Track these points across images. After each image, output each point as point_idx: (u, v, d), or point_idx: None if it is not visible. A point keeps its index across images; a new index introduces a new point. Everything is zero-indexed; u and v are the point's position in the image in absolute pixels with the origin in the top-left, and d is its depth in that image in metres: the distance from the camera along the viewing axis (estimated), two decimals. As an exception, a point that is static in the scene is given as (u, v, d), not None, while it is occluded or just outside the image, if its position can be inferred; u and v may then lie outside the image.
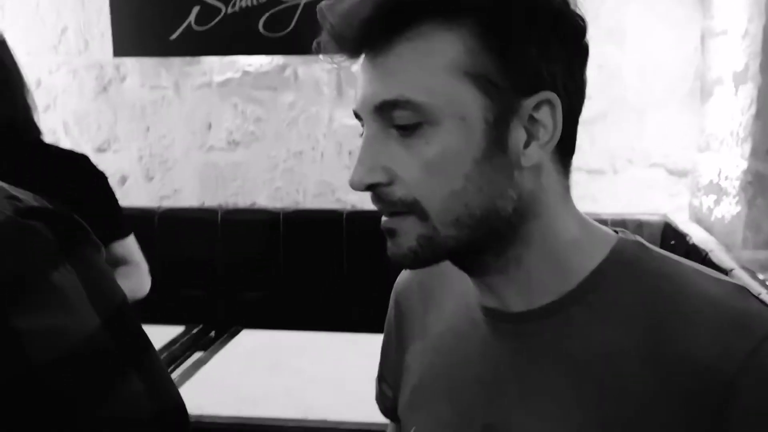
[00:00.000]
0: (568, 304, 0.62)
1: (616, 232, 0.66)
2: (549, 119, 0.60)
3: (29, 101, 1.56)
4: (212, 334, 2.23)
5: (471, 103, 0.58)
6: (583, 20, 0.62)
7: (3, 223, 0.73)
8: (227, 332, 2.16)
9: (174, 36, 2.79)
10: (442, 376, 0.71)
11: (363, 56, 0.60)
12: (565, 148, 0.63)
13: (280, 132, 2.83)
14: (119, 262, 1.68)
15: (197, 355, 2.02)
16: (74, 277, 0.77)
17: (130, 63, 2.87)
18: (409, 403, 0.75)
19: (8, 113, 1.52)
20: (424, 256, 0.61)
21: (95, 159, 1.69)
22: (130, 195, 2.91)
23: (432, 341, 0.74)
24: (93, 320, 0.77)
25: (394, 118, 0.59)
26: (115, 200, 1.70)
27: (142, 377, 0.81)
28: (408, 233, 0.60)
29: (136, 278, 1.71)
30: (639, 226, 2.51)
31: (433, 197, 0.59)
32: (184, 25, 2.77)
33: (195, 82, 2.86)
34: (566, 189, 0.64)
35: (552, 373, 0.61)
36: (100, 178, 1.66)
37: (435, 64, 0.58)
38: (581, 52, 0.62)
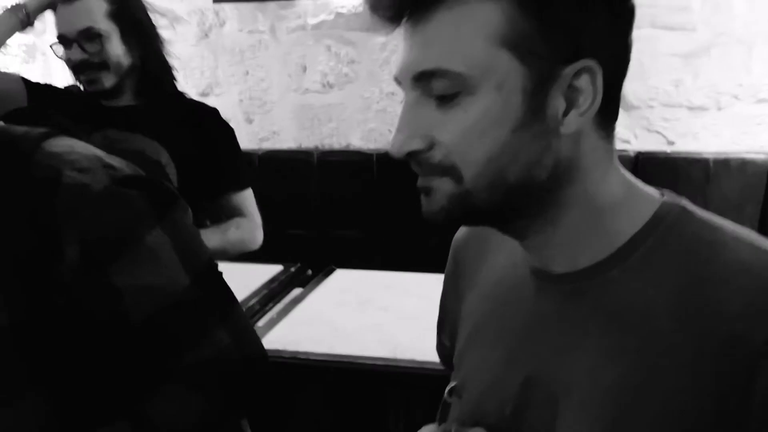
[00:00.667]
0: (608, 267, 0.64)
1: (663, 195, 0.66)
2: (589, 87, 0.60)
3: (164, 50, 1.67)
4: (309, 272, 2.35)
5: (509, 71, 0.59)
6: None
7: (101, 192, 0.81)
8: (323, 271, 2.28)
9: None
10: (491, 325, 0.74)
11: (405, 22, 0.61)
12: (607, 113, 0.63)
13: (373, 73, 2.86)
14: (234, 212, 1.75)
15: (296, 292, 2.15)
16: (166, 240, 0.85)
17: (229, 8, 2.96)
18: (462, 350, 0.79)
19: (151, 62, 1.62)
20: (455, 215, 0.63)
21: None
22: (232, 137, 3.05)
23: (485, 291, 0.77)
24: (183, 278, 0.86)
25: (432, 87, 0.60)
26: (239, 153, 1.79)
27: (229, 329, 0.91)
28: (442, 192, 0.62)
29: (249, 230, 1.77)
30: (743, 164, 2.41)
31: (470, 162, 0.60)
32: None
33: (290, 25, 2.92)
34: (609, 153, 0.65)
35: (592, 329, 0.63)
36: (228, 131, 1.75)
37: (473, 32, 0.58)
38: (626, 15, 0.62)
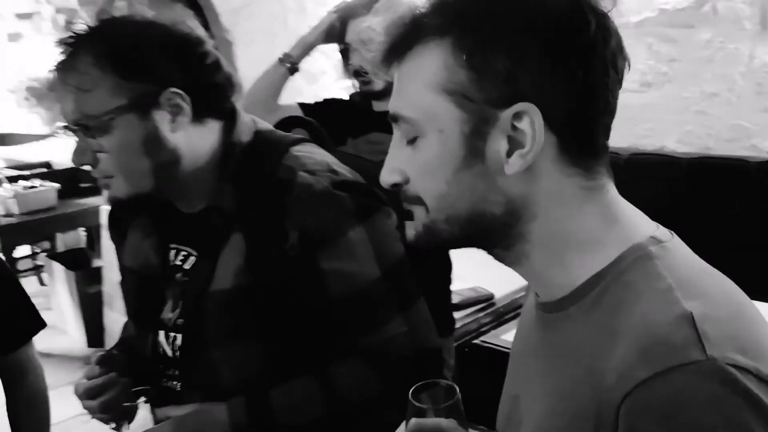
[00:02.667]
0: (568, 303, 0.65)
1: (653, 236, 0.65)
2: (529, 129, 0.62)
3: None
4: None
5: (448, 117, 0.63)
6: (585, 17, 0.60)
7: (321, 191, 1.03)
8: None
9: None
10: (514, 346, 0.81)
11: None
12: (577, 151, 0.63)
13: (693, 72, 2.69)
14: None
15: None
16: (365, 237, 1.05)
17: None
18: None
19: None
20: (427, 241, 0.69)
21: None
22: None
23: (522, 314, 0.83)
24: (375, 271, 1.05)
25: (400, 129, 0.68)
26: None
27: (408, 320, 1.07)
28: (418, 219, 0.69)
29: None
30: None
31: (428, 196, 0.67)
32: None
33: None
34: (582, 188, 0.64)
35: (550, 361, 0.66)
36: None
37: (420, 81, 0.64)
38: (571, 58, 0.61)
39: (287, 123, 1.25)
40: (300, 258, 1.02)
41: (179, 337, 1.09)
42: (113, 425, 1.07)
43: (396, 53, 0.66)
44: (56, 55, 1.01)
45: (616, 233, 0.66)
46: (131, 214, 1.18)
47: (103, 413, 1.07)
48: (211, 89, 1.06)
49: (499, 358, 1.80)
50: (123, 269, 1.21)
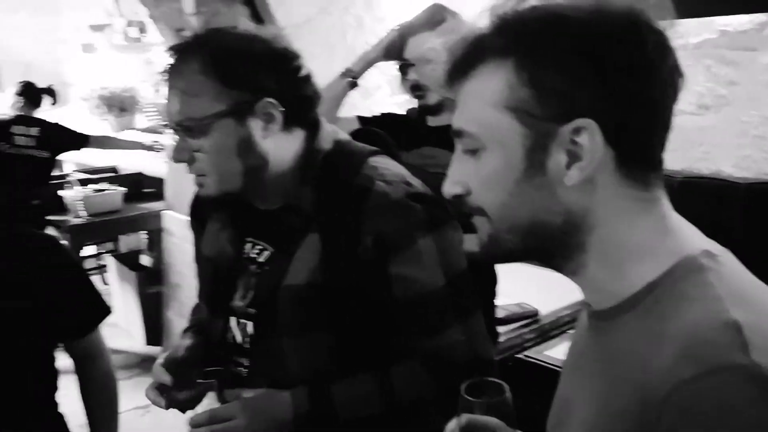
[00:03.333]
0: (623, 311, 0.68)
1: (703, 248, 0.67)
2: (587, 143, 0.65)
3: None
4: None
5: (510, 132, 0.67)
6: (643, 35, 0.63)
7: (397, 200, 1.10)
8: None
9: None
10: (567, 356, 0.83)
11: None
12: (633, 163, 0.66)
13: (754, 95, 2.65)
14: None
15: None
16: (433, 247, 1.11)
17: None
18: None
19: None
20: (492, 253, 0.72)
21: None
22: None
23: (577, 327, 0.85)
24: (440, 280, 1.11)
25: (463, 143, 0.71)
26: None
27: (465, 329, 1.11)
28: (483, 231, 0.72)
29: None
30: None
31: (490, 207, 0.70)
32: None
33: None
34: (638, 200, 0.67)
35: (601, 367, 0.69)
36: None
37: (483, 99, 0.68)
38: (624, 75, 0.63)
39: (359, 134, 1.31)
40: (371, 261, 1.08)
41: (249, 324, 1.16)
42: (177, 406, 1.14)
43: (459, 72, 0.70)
44: (166, 59, 1.11)
45: (669, 244, 0.68)
46: (212, 207, 1.26)
47: (176, 389, 1.15)
48: (301, 101, 1.13)
49: (542, 373, 1.83)
50: (199, 257, 1.30)
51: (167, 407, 1.16)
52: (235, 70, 1.07)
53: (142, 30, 5.67)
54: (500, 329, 1.98)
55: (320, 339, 1.12)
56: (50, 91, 4.27)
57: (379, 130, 1.37)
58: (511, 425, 0.79)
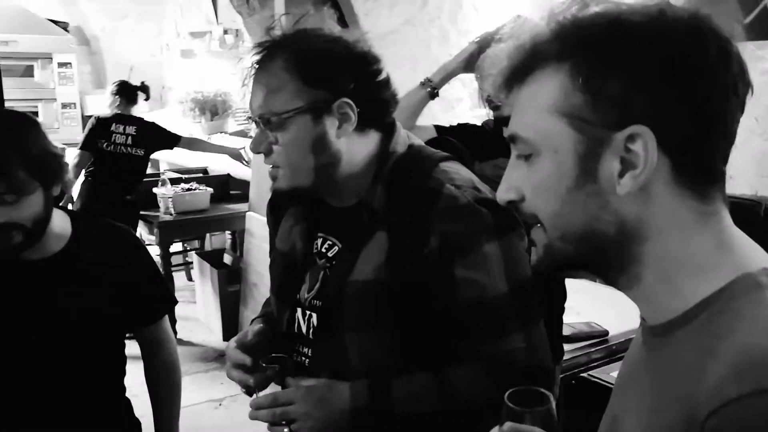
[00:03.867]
0: (674, 327, 0.66)
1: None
2: (641, 151, 0.63)
3: None
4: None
5: (563, 138, 0.66)
6: (704, 42, 0.61)
7: (465, 204, 1.12)
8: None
9: (749, 19, 2.75)
10: (620, 372, 0.82)
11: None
12: (692, 173, 0.64)
13: None
14: None
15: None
16: (498, 253, 1.12)
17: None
18: None
19: None
20: (547, 263, 0.72)
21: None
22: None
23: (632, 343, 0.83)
24: (503, 286, 1.12)
25: (517, 148, 0.71)
26: None
27: (526, 337, 1.12)
28: (539, 243, 0.71)
29: None
30: None
31: (542, 214, 0.70)
32: (759, 8, 2.71)
33: (765, 66, 2.77)
34: (697, 213, 0.65)
35: (652, 379, 0.67)
36: None
37: (538, 104, 0.68)
38: (687, 83, 0.62)
39: (434, 143, 1.34)
40: (436, 262, 1.10)
41: (315, 316, 1.21)
42: (245, 389, 1.20)
43: (517, 78, 0.70)
44: (254, 56, 1.16)
45: (728, 260, 0.66)
46: (288, 203, 1.32)
47: (243, 369, 1.20)
48: (377, 103, 1.17)
49: (605, 393, 1.78)
50: (273, 251, 1.36)
51: (244, 387, 1.21)
52: (315, 69, 1.11)
53: (238, 38, 5.90)
54: (566, 347, 1.95)
55: (382, 335, 1.14)
56: (144, 88, 4.48)
57: (454, 140, 1.39)
58: None
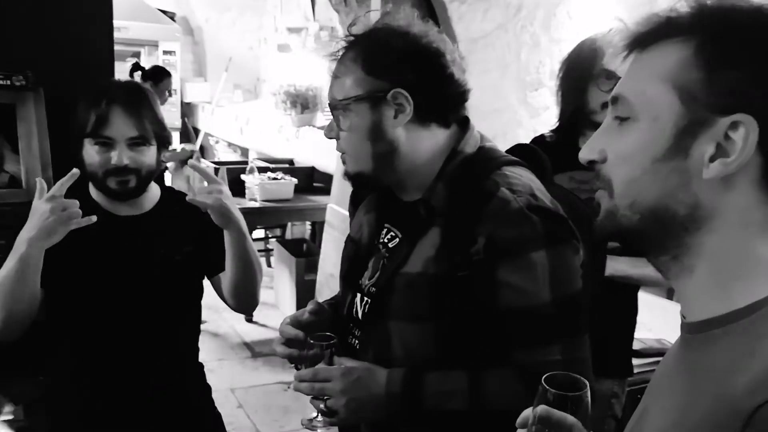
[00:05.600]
0: (714, 326, 0.66)
1: None
2: (740, 140, 0.63)
3: None
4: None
5: (668, 108, 0.67)
6: None
7: (516, 209, 1.13)
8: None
9: None
10: (656, 369, 0.81)
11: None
12: None
13: None
14: None
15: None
16: (545, 262, 1.12)
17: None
18: None
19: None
20: (608, 228, 0.72)
21: None
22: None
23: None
24: (546, 296, 1.12)
25: (617, 109, 0.72)
26: None
27: (564, 350, 1.12)
28: (603, 206, 0.72)
29: None
30: None
31: (618, 180, 0.70)
32: None
33: None
34: None
35: (685, 376, 0.68)
36: None
37: (654, 71, 0.68)
38: None
39: (515, 149, 1.35)
40: (481, 263, 1.12)
41: (369, 302, 1.26)
42: (294, 363, 1.27)
43: (639, 43, 0.71)
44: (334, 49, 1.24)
45: None
46: (366, 194, 1.39)
47: (292, 345, 1.27)
48: (437, 98, 1.20)
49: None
50: (348, 237, 1.42)
51: (291, 361, 1.28)
52: (376, 60, 1.17)
53: (333, 35, 6.04)
54: (636, 361, 1.93)
55: (424, 327, 1.18)
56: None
57: (536, 147, 1.39)
58: (586, 426, 0.78)
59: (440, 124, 1.22)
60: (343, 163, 1.26)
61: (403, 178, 1.23)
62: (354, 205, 1.45)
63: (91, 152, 1.54)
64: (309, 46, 6.35)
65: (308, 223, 5.16)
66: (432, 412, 1.15)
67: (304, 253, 4.71)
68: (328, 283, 4.07)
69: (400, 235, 1.26)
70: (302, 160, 5.32)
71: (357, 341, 1.27)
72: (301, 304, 4.38)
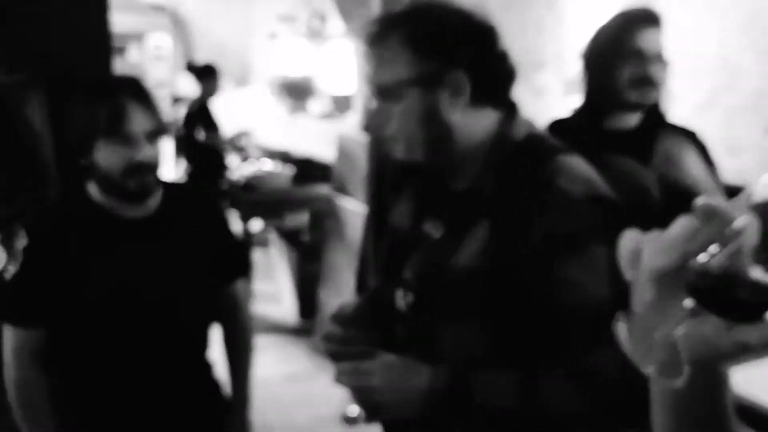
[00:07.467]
0: None
1: None
2: None
3: None
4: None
5: None
6: None
7: (576, 201, 1.07)
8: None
9: None
10: None
11: None
12: None
13: None
14: None
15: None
16: (605, 257, 1.03)
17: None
18: None
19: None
20: None
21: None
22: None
23: None
24: (604, 292, 1.04)
25: None
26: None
27: (616, 350, 1.04)
28: None
29: None
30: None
31: None
32: None
33: None
34: None
35: None
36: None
37: None
38: None
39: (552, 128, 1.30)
40: (537, 258, 1.05)
41: (412, 296, 1.19)
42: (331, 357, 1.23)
43: None
44: (370, 30, 1.15)
45: None
46: (408, 182, 1.31)
47: (335, 341, 1.23)
48: (493, 77, 1.13)
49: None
50: (389, 227, 1.35)
51: (333, 358, 1.22)
52: (428, 39, 1.09)
53: (324, 22, 5.95)
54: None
55: (471, 324, 1.12)
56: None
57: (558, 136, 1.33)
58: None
59: (495, 106, 1.15)
60: (392, 150, 1.19)
61: (456, 165, 1.16)
62: (395, 192, 1.38)
63: (107, 152, 1.40)
64: (300, 34, 6.27)
65: (306, 213, 5.11)
66: (478, 411, 1.09)
67: (303, 244, 4.66)
68: (333, 275, 4.01)
69: (445, 227, 1.19)
70: (297, 149, 5.26)
71: (399, 336, 1.22)
72: (302, 295, 4.34)
